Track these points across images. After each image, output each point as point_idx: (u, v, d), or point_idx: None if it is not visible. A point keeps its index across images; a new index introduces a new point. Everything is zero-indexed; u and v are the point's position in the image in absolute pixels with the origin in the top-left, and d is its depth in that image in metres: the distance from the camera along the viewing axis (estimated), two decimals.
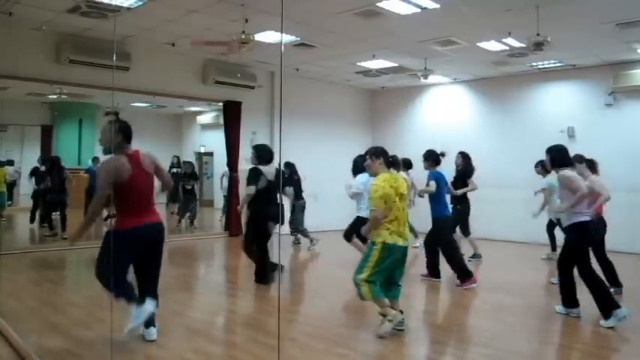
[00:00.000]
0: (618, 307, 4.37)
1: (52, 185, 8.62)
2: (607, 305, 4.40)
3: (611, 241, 8.62)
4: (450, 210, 6.38)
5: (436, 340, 4.25)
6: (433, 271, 6.22)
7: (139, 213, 3.73)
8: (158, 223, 3.86)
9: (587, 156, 7.07)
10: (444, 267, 6.21)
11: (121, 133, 3.76)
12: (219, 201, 11.42)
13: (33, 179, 9.70)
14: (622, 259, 8.10)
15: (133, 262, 3.81)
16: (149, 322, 3.89)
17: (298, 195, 8.61)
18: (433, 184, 6.02)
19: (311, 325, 4.50)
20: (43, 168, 9.38)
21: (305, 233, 8.74)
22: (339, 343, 4.04)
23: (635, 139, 8.79)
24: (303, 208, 8.80)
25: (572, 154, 4.93)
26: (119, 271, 3.66)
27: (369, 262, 4.13)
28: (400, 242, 4.15)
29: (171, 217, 11.13)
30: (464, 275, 5.94)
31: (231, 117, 9.98)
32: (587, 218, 4.63)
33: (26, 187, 10.56)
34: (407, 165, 7.62)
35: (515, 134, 10.09)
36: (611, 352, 3.94)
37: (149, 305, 3.71)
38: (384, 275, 4.20)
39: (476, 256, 7.72)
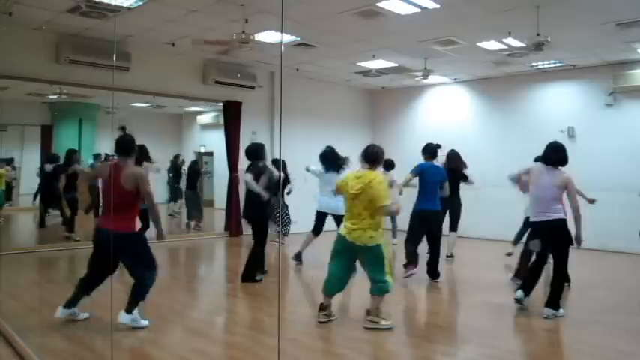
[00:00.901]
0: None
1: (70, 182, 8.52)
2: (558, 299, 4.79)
3: (611, 241, 8.69)
4: (435, 205, 6.20)
5: (435, 340, 4.24)
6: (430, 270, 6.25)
7: (103, 216, 4.31)
8: (113, 230, 4.01)
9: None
10: (444, 267, 6.21)
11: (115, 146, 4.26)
12: (219, 201, 11.38)
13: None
14: (622, 259, 8.12)
15: (99, 260, 4.17)
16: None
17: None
18: (408, 176, 6.15)
19: (311, 325, 4.50)
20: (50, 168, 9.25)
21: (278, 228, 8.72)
22: (339, 343, 4.04)
23: (635, 139, 8.79)
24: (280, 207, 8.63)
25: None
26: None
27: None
28: (342, 231, 4.38)
29: (169, 217, 11.14)
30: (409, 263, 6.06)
31: (231, 117, 9.98)
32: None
33: (24, 187, 10.53)
34: (388, 165, 7.73)
35: (515, 134, 10.09)
36: (611, 352, 3.94)
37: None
38: (336, 264, 4.43)
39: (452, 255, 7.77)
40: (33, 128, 10.92)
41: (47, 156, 9.20)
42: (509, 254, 7.51)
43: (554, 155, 4.85)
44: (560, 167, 4.82)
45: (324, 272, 4.52)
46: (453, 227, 7.64)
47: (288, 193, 8.76)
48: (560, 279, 4.84)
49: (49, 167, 8.83)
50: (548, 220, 4.76)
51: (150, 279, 4.23)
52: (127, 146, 4.22)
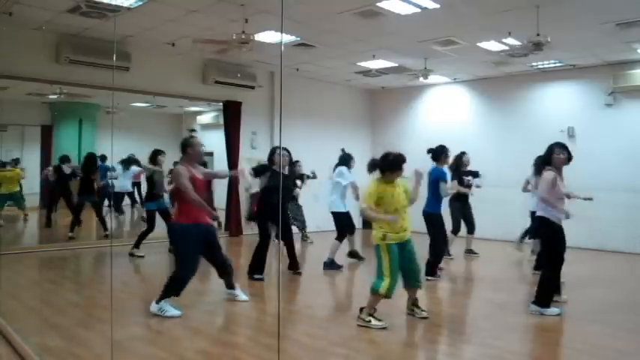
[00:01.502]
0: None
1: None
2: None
3: (611, 240, 8.69)
4: (427, 207, 6.28)
5: (436, 340, 4.25)
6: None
7: None
8: None
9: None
10: (445, 266, 6.21)
11: None
12: (219, 201, 11.38)
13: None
14: (622, 259, 8.13)
15: None
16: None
17: None
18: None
19: (311, 325, 4.50)
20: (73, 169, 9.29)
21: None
22: (339, 343, 4.04)
23: (635, 139, 8.79)
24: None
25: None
26: None
27: None
28: None
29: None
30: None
31: (231, 117, 9.98)
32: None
33: (25, 187, 10.54)
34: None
35: (516, 134, 10.09)
36: (611, 352, 3.94)
37: None
38: None
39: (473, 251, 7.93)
40: (33, 128, 10.93)
41: (62, 157, 9.30)
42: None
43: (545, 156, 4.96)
44: (550, 167, 4.84)
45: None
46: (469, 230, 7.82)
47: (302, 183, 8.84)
48: (545, 277, 4.85)
49: (67, 169, 8.92)
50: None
51: (175, 275, 4.53)
52: (180, 146, 4.88)
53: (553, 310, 4.75)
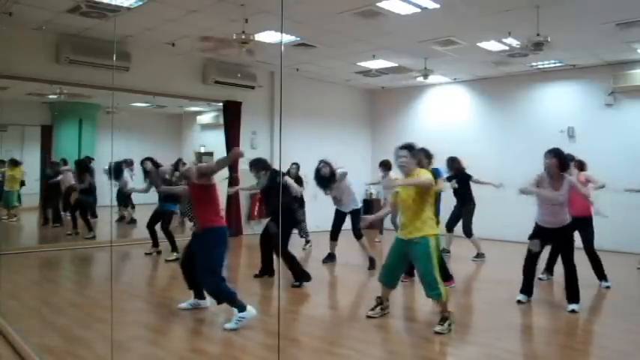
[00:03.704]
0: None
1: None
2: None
3: (610, 240, 8.67)
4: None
5: (436, 340, 4.24)
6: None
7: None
8: None
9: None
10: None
11: None
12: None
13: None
14: (622, 259, 8.12)
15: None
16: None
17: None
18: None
19: (311, 325, 4.50)
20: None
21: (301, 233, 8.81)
22: (339, 343, 4.04)
23: (635, 139, 8.79)
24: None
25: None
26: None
27: (435, 260, 4.23)
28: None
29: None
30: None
31: (231, 117, 9.98)
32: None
33: (25, 187, 10.55)
34: (388, 166, 7.87)
35: (516, 134, 10.09)
36: (611, 352, 3.94)
37: None
38: None
39: (480, 255, 7.81)
40: (33, 128, 10.93)
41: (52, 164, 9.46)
42: None
43: None
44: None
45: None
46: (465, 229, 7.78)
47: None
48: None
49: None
50: None
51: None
52: None
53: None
